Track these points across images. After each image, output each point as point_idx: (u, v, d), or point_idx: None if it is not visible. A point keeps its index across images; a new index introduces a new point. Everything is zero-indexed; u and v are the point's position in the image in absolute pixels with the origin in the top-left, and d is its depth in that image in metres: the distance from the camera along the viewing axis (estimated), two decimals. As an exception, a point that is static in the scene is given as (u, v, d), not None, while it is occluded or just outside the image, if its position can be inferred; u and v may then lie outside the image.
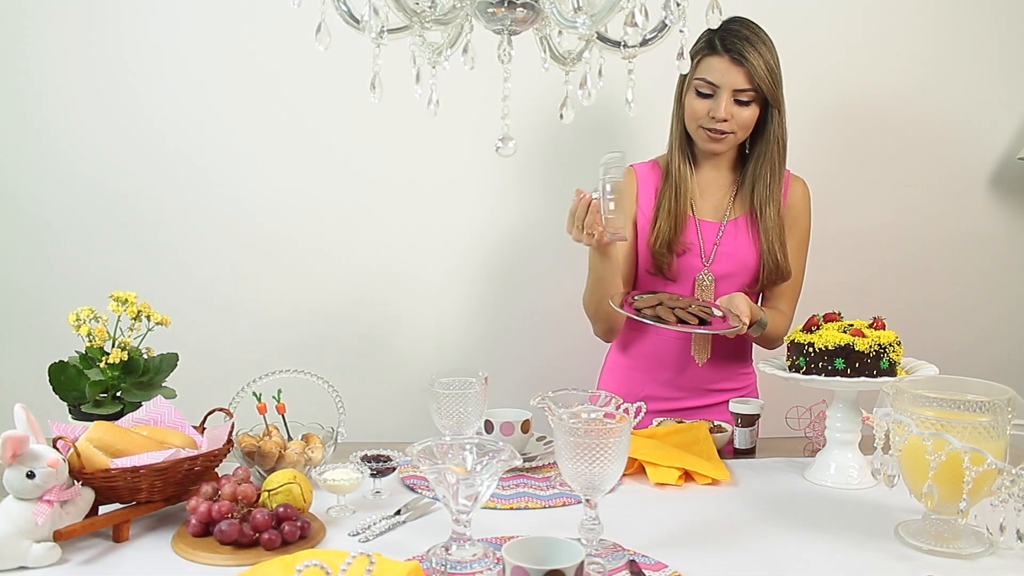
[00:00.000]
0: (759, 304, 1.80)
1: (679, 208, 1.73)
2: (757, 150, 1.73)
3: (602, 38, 1.02)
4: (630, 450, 1.15)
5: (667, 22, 0.99)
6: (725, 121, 1.65)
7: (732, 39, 1.61)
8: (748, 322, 1.61)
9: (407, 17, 0.96)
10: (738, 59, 1.61)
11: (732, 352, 1.82)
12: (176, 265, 2.17)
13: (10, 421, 1.16)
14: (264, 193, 2.18)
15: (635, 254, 1.80)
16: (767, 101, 1.66)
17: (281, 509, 1.17)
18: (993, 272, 2.39)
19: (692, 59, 1.69)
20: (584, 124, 2.18)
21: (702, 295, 1.75)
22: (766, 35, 1.65)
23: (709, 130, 1.67)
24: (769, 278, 1.75)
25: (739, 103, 1.65)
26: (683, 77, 1.71)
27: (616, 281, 1.68)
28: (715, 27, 0.95)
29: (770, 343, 1.78)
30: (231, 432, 1.33)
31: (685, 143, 1.75)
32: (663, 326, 1.56)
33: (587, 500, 1.14)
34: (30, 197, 2.14)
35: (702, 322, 1.56)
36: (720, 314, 1.61)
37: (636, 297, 1.66)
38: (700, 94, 1.66)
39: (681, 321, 1.56)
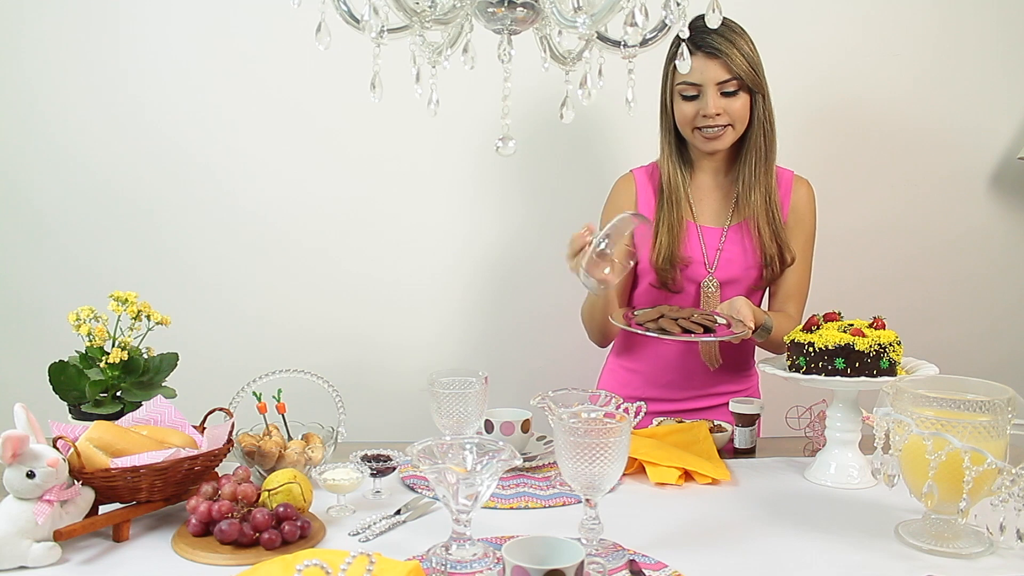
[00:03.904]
0: (767, 309, 1.79)
1: (677, 218, 1.72)
2: (744, 137, 1.71)
3: (602, 38, 1.02)
4: (630, 450, 1.15)
5: (667, 22, 0.99)
6: (718, 115, 1.63)
7: (702, 36, 1.61)
8: (753, 326, 1.59)
9: (407, 17, 0.96)
10: (712, 52, 1.61)
11: (735, 357, 1.81)
12: (176, 265, 2.17)
13: (10, 421, 1.16)
14: (264, 193, 2.18)
15: (634, 269, 1.78)
16: (750, 88, 1.65)
17: (281, 509, 1.17)
18: (993, 272, 2.38)
19: (667, 66, 1.70)
20: (585, 124, 2.19)
21: (707, 302, 1.74)
22: (737, 24, 1.64)
23: (704, 129, 1.66)
24: (770, 264, 1.72)
25: (726, 95, 1.63)
26: (665, 86, 1.70)
27: (614, 302, 1.71)
28: (714, 26, 0.95)
29: (777, 348, 1.72)
30: (231, 432, 1.33)
31: (676, 151, 1.74)
32: (668, 338, 1.54)
33: (587, 500, 1.14)
34: (30, 196, 2.13)
35: (706, 331, 1.55)
36: (724, 322, 1.59)
37: (637, 312, 1.65)
38: (685, 97, 1.65)
39: (686, 331, 1.54)
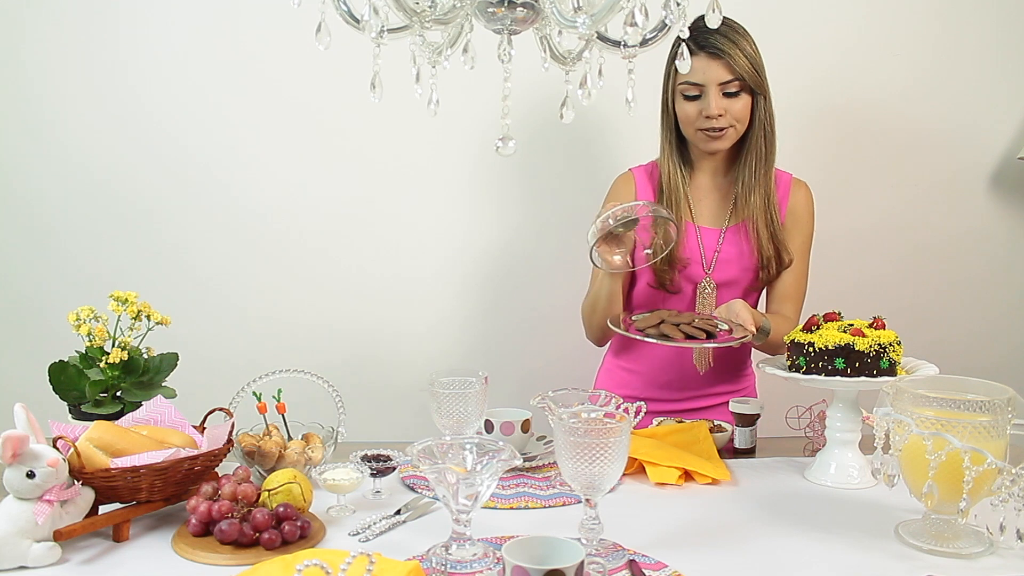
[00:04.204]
0: (764, 310, 1.79)
1: (676, 219, 1.70)
2: (745, 139, 1.70)
3: (602, 38, 1.02)
4: (630, 450, 1.15)
5: (667, 22, 0.99)
6: (720, 116, 1.63)
7: (704, 36, 1.60)
8: (754, 330, 1.57)
9: (407, 17, 0.96)
10: (715, 53, 1.60)
11: (732, 358, 1.81)
12: (176, 265, 2.18)
13: (10, 421, 1.16)
14: (264, 193, 2.18)
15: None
16: (752, 90, 1.64)
17: (281, 509, 1.17)
18: (993, 272, 2.39)
19: (669, 65, 1.69)
20: (585, 124, 2.19)
21: (703, 302, 1.74)
22: (739, 25, 1.64)
23: (706, 130, 1.65)
24: (767, 265, 1.72)
25: (728, 96, 1.63)
26: (666, 85, 1.70)
27: (619, 299, 1.70)
28: (714, 26, 0.95)
29: (774, 349, 1.71)
30: (231, 432, 1.33)
31: (676, 150, 1.74)
32: (670, 344, 1.53)
33: (587, 500, 1.14)
34: (30, 197, 2.14)
35: (708, 336, 1.54)
36: (725, 327, 1.57)
37: (636, 317, 1.64)
38: (687, 97, 1.65)
39: (689, 337, 1.53)
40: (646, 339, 1.55)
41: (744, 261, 1.74)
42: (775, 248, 1.72)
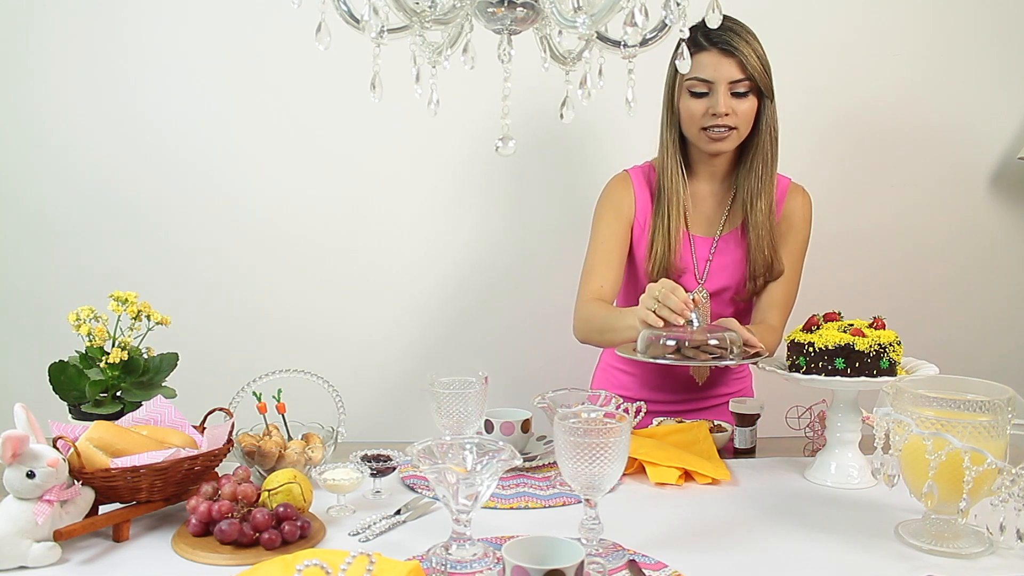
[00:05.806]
0: (750, 313, 1.78)
1: (673, 225, 1.68)
2: (750, 143, 1.68)
3: (602, 38, 1.02)
4: (630, 450, 1.15)
5: (667, 22, 0.99)
6: (727, 115, 1.60)
7: (718, 33, 1.57)
8: (763, 346, 1.53)
9: (407, 17, 0.96)
10: (728, 50, 1.58)
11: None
12: (176, 265, 2.18)
13: (10, 421, 1.16)
14: (264, 193, 2.18)
15: (628, 263, 1.76)
16: (760, 92, 1.62)
17: (281, 509, 1.17)
18: (993, 272, 2.39)
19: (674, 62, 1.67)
20: (584, 124, 2.19)
21: (697, 312, 1.71)
22: (748, 27, 1.62)
23: (711, 129, 1.62)
24: (757, 276, 1.70)
25: (736, 96, 1.60)
26: (671, 83, 1.67)
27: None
28: (715, 26, 0.94)
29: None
30: (231, 432, 1.33)
31: (678, 152, 1.70)
32: (696, 364, 1.48)
33: (587, 500, 1.14)
34: (31, 197, 2.14)
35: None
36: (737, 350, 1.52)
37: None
38: (694, 94, 1.61)
39: (716, 358, 1.47)
40: (677, 363, 1.47)
41: (737, 270, 1.73)
42: (770, 258, 1.69)
